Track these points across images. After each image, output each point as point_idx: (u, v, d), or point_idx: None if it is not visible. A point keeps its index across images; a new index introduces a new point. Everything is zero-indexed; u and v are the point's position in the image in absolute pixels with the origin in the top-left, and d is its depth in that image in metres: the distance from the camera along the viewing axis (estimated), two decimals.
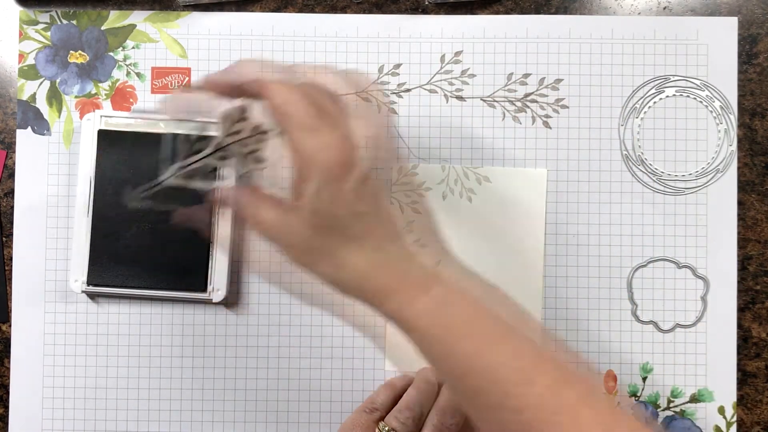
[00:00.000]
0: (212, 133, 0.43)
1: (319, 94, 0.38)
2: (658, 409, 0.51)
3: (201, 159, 0.43)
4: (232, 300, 0.51)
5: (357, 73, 0.45)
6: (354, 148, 0.37)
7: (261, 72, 0.39)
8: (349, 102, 0.39)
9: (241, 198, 0.40)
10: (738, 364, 0.51)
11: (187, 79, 0.51)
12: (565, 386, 0.35)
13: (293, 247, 0.38)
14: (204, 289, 0.49)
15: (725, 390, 0.51)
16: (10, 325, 0.51)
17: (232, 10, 0.52)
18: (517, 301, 0.38)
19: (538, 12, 0.52)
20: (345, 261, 0.38)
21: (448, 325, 0.37)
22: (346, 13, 0.52)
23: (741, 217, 0.51)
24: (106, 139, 0.49)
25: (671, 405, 0.51)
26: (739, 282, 0.51)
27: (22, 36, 0.51)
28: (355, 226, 0.37)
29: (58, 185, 0.51)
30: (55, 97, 0.51)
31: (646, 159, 0.51)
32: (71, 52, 0.51)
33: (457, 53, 0.51)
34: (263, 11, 0.52)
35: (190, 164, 0.43)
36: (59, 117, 0.51)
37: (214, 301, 0.50)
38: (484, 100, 0.51)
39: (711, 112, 0.51)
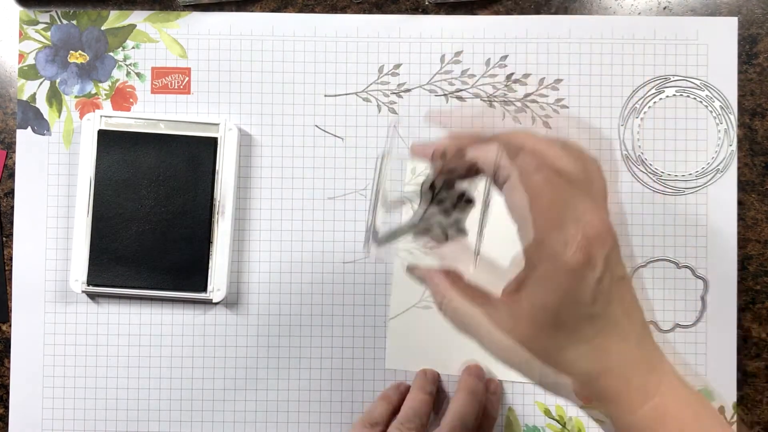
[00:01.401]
0: (477, 191, 0.40)
1: (566, 176, 0.36)
2: None
3: (403, 229, 0.41)
4: (232, 300, 0.51)
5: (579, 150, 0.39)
6: (597, 247, 0.34)
7: (495, 148, 0.36)
8: (595, 178, 0.37)
9: (440, 286, 0.38)
10: (738, 364, 0.51)
11: (187, 79, 0.51)
12: None
13: (513, 337, 0.36)
14: (204, 289, 0.49)
15: (725, 390, 0.51)
16: (10, 325, 0.51)
17: (232, 10, 0.52)
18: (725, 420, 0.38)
19: (538, 12, 0.52)
20: (570, 363, 0.35)
21: None
22: (346, 13, 0.52)
23: (741, 217, 0.51)
24: (106, 139, 0.50)
25: None
26: (739, 282, 0.51)
27: (22, 36, 0.51)
28: (586, 328, 0.35)
29: (58, 185, 0.51)
30: (55, 97, 0.51)
31: (646, 159, 0.51)
32: (71, 52, 0.51)
33: (457, 53, 0.51)
34: (263, 11, 0.52)
35: (396, 233, 0.41)
36: (59, 117, 0.51)
37: (214, 301, 0.50)
38: (484, 101, 0.51)
39: (711, 112, 0.51)
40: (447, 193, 0.41)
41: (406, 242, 0.41)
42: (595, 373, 0.35)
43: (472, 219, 0.40)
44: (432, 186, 0.41)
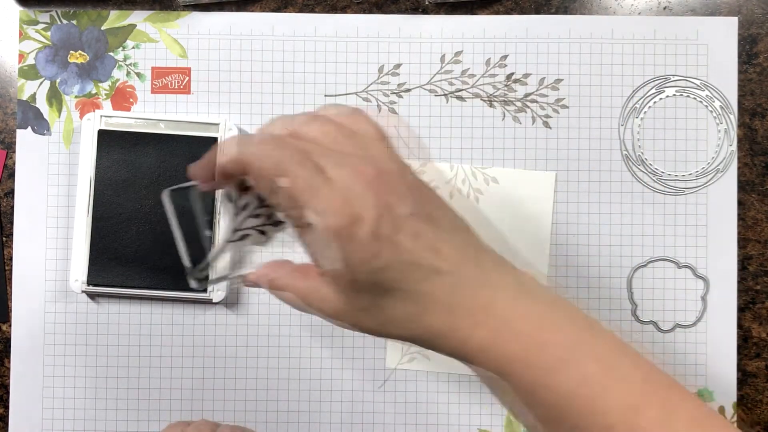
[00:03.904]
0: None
1: (308, 141, 0.33)
2: None
3: (221, 248, 0.41)
4: (232, 300, 0.51)
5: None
6: (358, 199, 0.31)
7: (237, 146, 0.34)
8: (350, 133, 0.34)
9: (271, 275, 0.37)
10: (738, 364, 0.51)
11: (187, 79, 0.51)
12: (674, 412, 0.31)
13: (335, 316, 0.35)
14: (204, 289, 0.49)
15: (725, 390, 0.51)
16: (10, 325, 0.51)
17: (232, 10, 0.52)
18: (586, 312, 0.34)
19: (538, 12, 0.52)
20: (389, 314, 0.34)
21: (508, 356, 0.32)
22: (346, 13, 0.52)
23: (741, 217, 0.51)
24: (106, 139, 0.50)
25: None
26: (739, 282, 0.51)
27: (22, 36, 0.51)
28: (385, 277, 0.33)
29: (58, 185, 0.51)
30: (55, 97, 0.51)
31: (646, 159, 0.51)
32: (71, 52, 0.51)
33: (457, 53, 0.51)
34: (263, 11, 0.52)
35: (216, 255, 0.41)
36: (59, 117, 0.51)
37: (214, 301, 0.50)
38: (484, 101, 0.51)
39: (711, 112, 0.51)
40: (246, 197, 0.39)
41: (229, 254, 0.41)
42: (413, 315, 0.33)
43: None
44: (229, 197, 0.39)
